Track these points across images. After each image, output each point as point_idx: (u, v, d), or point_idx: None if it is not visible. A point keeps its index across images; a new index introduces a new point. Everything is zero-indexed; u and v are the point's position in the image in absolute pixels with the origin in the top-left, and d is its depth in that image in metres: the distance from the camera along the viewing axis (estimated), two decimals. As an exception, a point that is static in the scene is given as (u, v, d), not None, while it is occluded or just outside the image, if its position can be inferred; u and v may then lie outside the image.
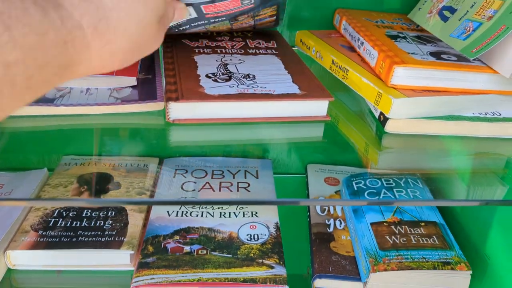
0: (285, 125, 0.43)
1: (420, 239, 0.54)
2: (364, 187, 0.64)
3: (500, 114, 0.44)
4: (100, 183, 0.63)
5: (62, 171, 0.65)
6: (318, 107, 0.44)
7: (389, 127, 0.42)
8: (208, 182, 0.67)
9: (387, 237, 0.55)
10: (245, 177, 0.68)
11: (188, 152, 0.66)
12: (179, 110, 0.41)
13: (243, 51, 0.54)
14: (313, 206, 0.65)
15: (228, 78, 0.46)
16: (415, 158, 0.44)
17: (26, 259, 0.53)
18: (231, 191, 0.65)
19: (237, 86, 0.44)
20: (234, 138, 0.45)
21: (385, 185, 0.65)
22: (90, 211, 0.58)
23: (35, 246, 0.52)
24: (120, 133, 0.44)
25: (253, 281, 0.50)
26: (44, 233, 0.54)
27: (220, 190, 0.65)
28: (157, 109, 0.43)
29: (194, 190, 0.64)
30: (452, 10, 0.49)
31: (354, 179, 0.66)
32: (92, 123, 0.42)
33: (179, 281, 0.49)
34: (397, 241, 0.54)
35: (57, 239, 0.53)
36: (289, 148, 0.66)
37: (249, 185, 0.67)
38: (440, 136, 0.43)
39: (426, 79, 0.43)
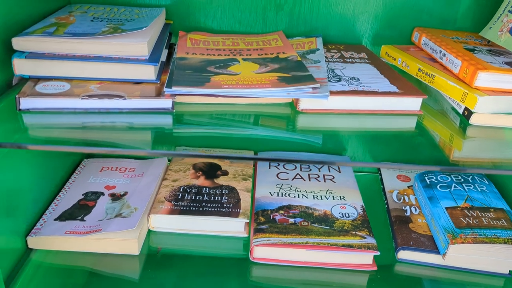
0: (386, 117, 0.55)
1: (490, 221, 0.64)
2: (436, 181, 0.74)
3: None
4: (212, 170, 0.76)
5: (179, 160, 0.79)
6: (413, 103, 0.55)
7: (473, 120, 0.53)
8: (298, 174, 0.78)
9: (461, 218, 0.64)
10: (329, 171, 0.80)
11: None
12: (307, 102, 0.53)
13: (342, 60, 0.66)
14: (390, 196, 0.76)
15: (338, 79, 0.58)
16: (495, 147, 0.54)
17: (163, 222, 0.65)
18: (319, 181, 0.76)
19: (348, 85, 0.56)
20: (346, 126, 0.56)
21: (455, 180, 0.75)
22: (208, 189, 0.71)
23: (171, 212, 0.65)
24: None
25: (350, 246, 0.60)
26: (176, 203, 0.67)
27: (310, 180, 0.76)
28: (286, 101, 0.55)
29: (288, 179, 0.76)
30: (522, 28, 0.60)
31: (426, 175, 0.76)
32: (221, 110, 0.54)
33: (291, 243, 0.60)
34: (471, 222, 0.63)
35: (187, 208, 0.66)
36: (364, 148, 0.76)
37: (333, 177, 0.78)
38: (513, 129, 0.54)
39: (505, 82, 0.53)
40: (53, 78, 0.50)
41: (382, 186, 0.80)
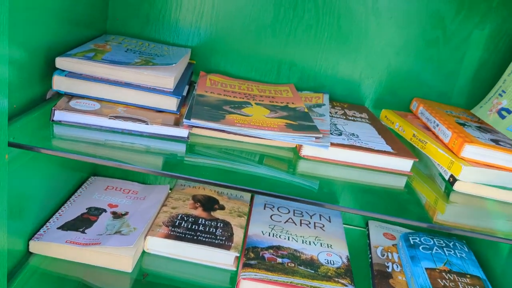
0: (379, 173, 0.60)
1: (466, 286, 0.67)
2: (419, 242, 0.78)
3: (542, 191, 0.59)
4: (210, 203, 0.80)
5: (179, 190, 0.83)
6: (405, 164, 0.60)
7: (457, 187, 0.58)
8: (291, 218, 0.82)
9: (439, 280, 0.68)
10: (320, 219, 0.84)
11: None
12: (309, 149, 0.58)
13: (344, 117, 0.72)
14: (374, 251, 0.79)
15: (340, 133, 0.63)
16: (475, 214, 0.58)
17: (159, 245, 0.69)
18: (309, 227, 0.80)
19: (348, 140, 0.61)
20: (341, 176, 0.61)
21: (437, 244, 0.79)
22: (204, 220, 0.74)
23: (167, 236, 0.68)
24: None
25: (332, 293, 0.64)
26: (173, 228, 0.70)
27: (301, 225, 0.80)
28: (290, 146, 0.60)
29: (280, 221, 0.80)
30: (509, 111, 0.66)
31: (411, 235, 0.81)
32: (223, 146, 0.59)
33: (276, 280, 0.63)
34: (447, 284, 0.67)
35: (183, 235, 0.69)
36: (355, 200, 0.80)
37: (323, 225, 0.82)
38: (494, 200, 0.59)
39: (488, 157, 0.59)
40: (86, 97, 0.56)
41: (368, 241, 0.84)
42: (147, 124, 0.53)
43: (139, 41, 0.73)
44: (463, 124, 0.67)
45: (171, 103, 0.57)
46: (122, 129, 0.53)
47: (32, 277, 0.61)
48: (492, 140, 0.62)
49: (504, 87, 0.71)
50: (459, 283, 0.68)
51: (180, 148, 0.56)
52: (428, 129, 0.70)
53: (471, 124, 0.69)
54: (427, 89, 0.82)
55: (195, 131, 0.57)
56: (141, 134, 0.54)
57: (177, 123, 0.56)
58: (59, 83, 0.55)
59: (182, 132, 0.54)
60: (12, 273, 0.60)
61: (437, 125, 0.67)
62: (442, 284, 0.67)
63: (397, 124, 0.73)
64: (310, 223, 0.82)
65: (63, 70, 0.56)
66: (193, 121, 0.54)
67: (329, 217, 0.85)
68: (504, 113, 0.67)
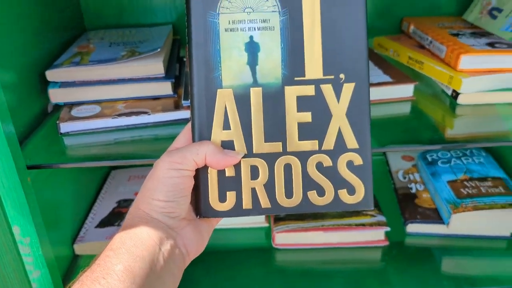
0: (383, 105, 0.61)
1: (488, 189, 0.69)
2: (437, 158, 0.80)
3: (545, 84, 0.59)
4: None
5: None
6: (406, 90, 0.61)
7: (460, 100, 0.59)
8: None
9: (461, 190, 0.70)
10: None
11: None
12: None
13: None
14: (396, 176, 0.82)
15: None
16: (483, 122, 0.59)
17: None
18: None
19: (345, 80, 0.62)
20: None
21: (454, 155, 0.80)
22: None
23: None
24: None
25: (362, 225, 0.67)
26: (200, 202, 0.73)
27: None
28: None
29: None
30: (499, 10, 0.65)
31: (428, 153, 0.82)
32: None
33: (308, 227, 0.67)
34: (470, 192, 0.69)
35: (212, 205, 0.72)
36: (378, 132, 0.82)
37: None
38: (499, 104, 0.59)
39: (486, 63, 0.59)
40: (84, 103, 0.57)
41: (388, 167, 0.86)
42: (149, 114, 0.55)
43: (119, 31, 0.72)
44: (456, 34, 0.67)
45: (166, 87, 0.58)
46: (127, 125, 0.55)
47: (85, 276, 0.66)
48: (488, 44, 0.61)
49: (492, -14, 0.69)
50: (481, 188, 0.70)
51: (187, 129, 0.57)
52: (423, 47, 0.70)
53: (465, 32, 0.68)
54: (416, 5, 0.80)
55: (197, 109, 0.59)
56: (146, 126, 0.55)
57: (177, 106, 0.57)
58: (56, 95, 0.56)
59: (184, 114, 0.56)
60: (66, 277, 0.65)
61: (431, 42, 0.67)
62: (465, 192, 0.69)
63: (391, 50, 0.73)
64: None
65: (56, 82, 0.57)
66: (192, 101, 0.55)
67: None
68: (495, 12, 0.65)
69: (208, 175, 0.39)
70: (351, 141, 0.39)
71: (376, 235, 0.68)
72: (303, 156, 0.40)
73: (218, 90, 0.38)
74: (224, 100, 0.39)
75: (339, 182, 0.40)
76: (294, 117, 0.39)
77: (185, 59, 0.71)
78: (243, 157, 0.39)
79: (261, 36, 0.39)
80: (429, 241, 0.71)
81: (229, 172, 0.39)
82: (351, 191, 0.40)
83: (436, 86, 0.65)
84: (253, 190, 0.39)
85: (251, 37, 0.39)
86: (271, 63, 0.39)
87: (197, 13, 0.38)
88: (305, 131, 0.39)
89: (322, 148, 0.39)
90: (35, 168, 0.49)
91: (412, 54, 0.67)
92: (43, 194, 0.58)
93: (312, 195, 0.40)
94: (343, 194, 0.40)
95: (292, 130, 0.39)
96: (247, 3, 0.39)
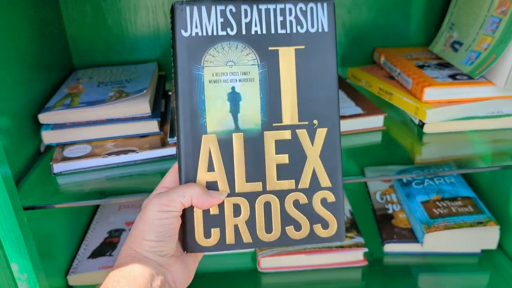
0: (355, 135, 0.65)
1: (458, 209, 0.74)
2: (411, 179, 0.85)
3: (503, 112, 0.64)
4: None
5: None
6: (376, 121, 0.65)
7: (426, 129, 0.64)
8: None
9: (434, 210, 0.75)
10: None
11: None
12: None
13: (314, 88, 0.76)
14: (374, 197, 0.86)
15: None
16: (447, 148, 0.64)
17: (180, 248, 0.75)
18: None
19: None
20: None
21: (427, 176, 0.85)
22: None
23: (186, 238, 0.75)
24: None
25: (341, 247, 0.71)
26: (188, 230, 0.77)
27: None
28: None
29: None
30: (460, 44, 0.70)
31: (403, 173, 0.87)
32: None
33: (291, 251, 0.70)
34: (442, 212, 0.74)
35: (199, 233, 0.76)
36: (347, 156, 0.86)
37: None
38: (463, 132, 0.64)
39: (448, 94, 0.64)
40: (75, 143, 0.61)
41: (367, 189, 0.90)
42: (137, 152, 0.58)
43: (107, 70, 0.76)
44: (422, 66, 0.72)
45: (152, 126, 0.62)
46: (116, 163, 0.58)
47: (80, 307, 0.69)
48: (450, 76, 0.67)
49: (453, 20, 0.75)
50: (451, 207, 0.75)
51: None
52: (393, 78, 0.75)
53: (430, 64, 0.73)
54: (386, 36, 0.85)
55: (182, 144, 0.62)
56: (134, 163, 0.59)
57: (163, 143, 0.61)
58: (48, 137, 0.60)
59: (170, 150, 0.60)
60: (60, 309, 0.67)
61: (399, 74, 0.72)
62: (437, 212, 0.74)
63: (363, 81, 0.78)
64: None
65: (49, 124, 0.60)
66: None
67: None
68: (456, 46, 0.71)
69: (194, 214, 0.43)
70: (324, 180, 0.44)
71: (355, 256, 0.72)
72: (281, 194, 0.43)
73: (203, 135, 0.43)
74: (209, 144, 0.43)
75: (314, 218, 0.44)
76: (273, 159, 0.43)
77: (170, 93, 0.76)
78: (226, 197, 0.43)
79: (242, 87, 0.43)
80: (406, 259, 0.75)
81: (214, 211, 0.43)
82: (325, 225, 0.44)
83: (405, 115, 0.70)
84: (236, 227, 0.43)
85: (233, 87, 0.43)
86: (251, 111, 0.43)
87: (183, 67, 0.42)
88: (283, 172, 0.43)
89: (299, 187, 0.43)
90: (31, 209, 0.53)
91: (382, 85, 0.72)
92: (37, 229, 0.61)
93: (290, 230, 0.44)
94: (318, 228, 0.44)
95: (271, 171, 0.43)
96: (229, 57, 0.43)
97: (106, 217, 0.83)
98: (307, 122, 0.44)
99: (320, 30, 0.44)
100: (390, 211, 0.81)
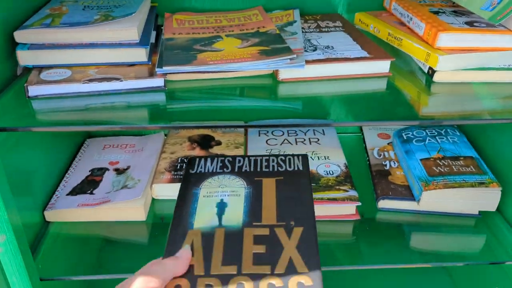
0: (359, 80, 0.60)
1: (460, 168, 0.70)
2: (412, 136, 0.81)
3: (520, 65, 0.60)
4: (206, 141, 0.82)
5: (174, 134, 0.85)
6: (383, 66, 0.60)
7: (436, 78, 0.59)
8: (286, 139, 0.84)
9: (434, 168, 0.71)
10: (314, 134, 0.86)
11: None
12: (286, 72, 0.58)
13: (318, 30, 0.71)
14: (371, 153, 0.82)
15: (314, 49, 0.63)
16: (457, 100, 0.60)
17: (165, 190, 0.72)
18: (305, 144, 0.83)
19: (323, 54, 0.61)
20: (323, 92, 0.61)
21: (429, 134, 0.81)
22: (203, 158, 0.77)
23: (172, 181, 0.71)
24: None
25: (334, 199, 0.67)
26: (175, 173, 0.73)
27: (296, 144, 0.83)
28: (268, 72, 0.61)
29: (276, 144, 0.82)
30: (481, -11, 0.64)
31: (404, 131, 0.83)
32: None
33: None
34: (442, 170, 0.70)
35: (186, 176, 0.72)
36: (348, 104, 0.82)
37: (318, 139, 0.84)
38: (475, 83, 0.59)
39: (463, 41, 0.58)
40: (54, 66, 0.56)
41: (364, 144, 0.87)
42: (121, 81, 0.54)
43: (95, -6, 0.70)
44: (437, 12, 0.66)
45: (140, 54, 0.57)
46: (98, 91, 0.54)
47: (55, 243, 0.66)
48: (467, 23, 0.61)
49: (475, -36, 0.68)
50: (453, 166, 0.71)
51: (160, 98, 0.56)
52: (403, 24, 0.69)
53: (445, 10, 0.68)
54: (398, -19, 0.79)
55: (171, 77, 0.58)
56: (118, 92, 0.54)
57: (151, 74, 0.56)
58: (24, 57, 0.55)
59: (158, 81, 0.55)
60: (35, 244, 0.64)
61: (411, 19, 0.66)
62: (438, 171, 0.70)
63: (371, 26, 0.72)
64: (305, 140, 0.84)
65: (25, 44, 0.55)
66: (165, 68, 0.54)
67: (323, 130, 0.87)
68: (476, -8, 0.65)
69: None
70: (301, 267, 0.46)
71: (348, 210, 0.69)
72: (256, 277, 0.46)
73: (189, 230, 0.51)
74: (192, 237, 0.51)
75: None
76: (250, 248, 0.49)
77: (162, 28, 0.70)
78: (200, 277, 0.46)
79: (229, 199, 0.56)
80: (400, 217, 0.72)
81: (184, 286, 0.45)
82: None
83: (414, 63, 0.65)
84: None
85: (221, 199, 0.56)
86: (235, 214, 0.53)
87: (186, 189, 0.58)
88: (259, 258, 0.48)
89: (274, 272, 0.46)
90: (1, 131, 0.48)
91: (392, 31, 0.67)
92: (12, 159, 0.57)
93: None
94: None
95: (247, 257, 0.48)
96: (222, 183, 0.59)
97: (90, 156, 0.79)
98: (284, 223, 0.52)
99: (295, 169, 0.61)
100: (388, 167, 0.78)
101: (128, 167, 0.75)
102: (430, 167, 0.71)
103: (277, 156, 0.63)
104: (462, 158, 0.73)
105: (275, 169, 0.60)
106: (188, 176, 0.60)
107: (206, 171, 0.60)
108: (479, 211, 0.70)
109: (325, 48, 0.63)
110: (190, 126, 0.54)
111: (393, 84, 0.61)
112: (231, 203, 0.55)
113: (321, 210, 0.68)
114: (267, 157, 0.63)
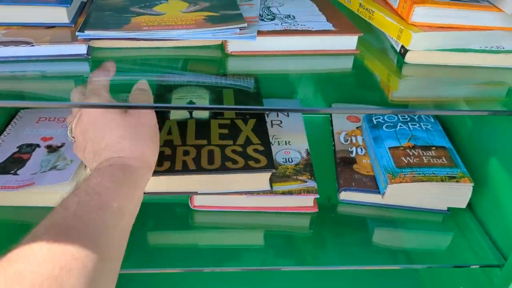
0: (321, 57, 0.52)
1: (431, 159, 0.64)
2: (382, 121, 0.74)
3: (504, 48, 0.52)
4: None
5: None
6: (349, 42, 0.52)
7: (408, 58, 0.51)
8: (245, 118, 0.77)
9: (402, 158, 0.64)
10: (277, 116, 0.78)
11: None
12: (236, 43, 0.50)
13: (281, -4, 0.62)
14: (337, 138, 0.75)
15: (272, 18, 0.54)
16: (430, 85, 0.52)
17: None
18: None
19: (281, 24, 0.53)
20: (277, 68, 0.53)
21: (401, 119, 0.74)
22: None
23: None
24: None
25: (290, 193, 0.60)
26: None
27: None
28: (214, 43, 0.52)
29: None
30: (466, -42, 0.56)
31: (374, 115, 0.75)
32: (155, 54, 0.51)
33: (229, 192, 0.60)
34: (411, 161, 0.63)
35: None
36: (314, 89, 0.74)
37: (281, 122, 0.76)
38: (451, 66, 0.52)
39: (441, 17, 0.51)
40: (-47, 24, 0.46)
41: (331, 127, 0.79)
42: (33, 45, 0.44)
43: None
44: (415, -18, 0.58)
45: (59, 14, 0.47)
46: (4, 57, 0.44)
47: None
48: (448, -4, 0.53)
49: None
50: (423, 157, 0.65)
51: (83, 68, 0.48)
52: (377, -5, 0.61)
53: (425, -19, 0.59)
54: None
55: (98, 44, 0.48)
56: (29, 59, 0.45)
57: (73, 38, 0.47)
58: None
59: (79, 48, 0.46)
60: None
61: (386, -12, 0.58)
62: (406, 162, 0.64)
63: (342, -5, 0.64)
64: (266, 122, 0.76)
65: None
66: (88, 33, 0.45)
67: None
68: (461, -40, 0.57)
69: None
70: (255, 140, 0.62)
71: (305, 201, 0.62)
72: (222, 147, 0.60)
73: (167, 120, 0.65)
74: (170, 124, 0.64)
75: (248, 157, 0.58)
76: (216, 130, 0.63)
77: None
78: (179, 145, 0.60)
79: (197, 100, 0.53)
80: (363, 210, 0.66)
81: (167, 152, 0.58)
82: (257, 161, 0.58)
83: (386, 40, 0.57)
84: (184, 161, 0.57)
85: (190, 100, 0.53)
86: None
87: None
88: (223, 136, 0.62)
89: (236, 143, 0.61)
90: None
91: (364, 1, 0.59)
92: None
93: (229, 163, 0.57)
94: (251, 163, 0.58)
95: (214, 135, 0.62)
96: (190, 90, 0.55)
97: (22, 129, 0.70)
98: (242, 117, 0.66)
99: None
100: (353, 155, 0.70)
101: (63, 145, 0.66)
102: (398, 157, 0.64)
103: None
104: (434, 148, 0.66)
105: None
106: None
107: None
108: (448, 207, 0.64)
109: (285, 17, 0.55)
110: (120, 105, 0.45)
111: (361, 64, 0.53)
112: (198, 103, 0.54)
113: (277, 201, 0.61)
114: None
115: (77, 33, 0.45)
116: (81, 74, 0.48)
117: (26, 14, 0.47)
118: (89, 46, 0.47)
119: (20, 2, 0.46)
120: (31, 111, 0.74)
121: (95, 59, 0.47)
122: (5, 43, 0.44)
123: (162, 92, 0.56)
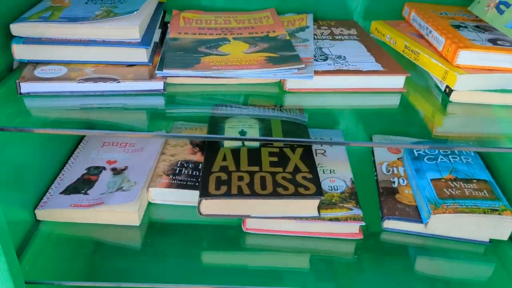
0: (371, 95, 0.57)
1: (473, 192, 0.67)
2: (423, 153, 0.77)
3: (544, 89, 0.55)
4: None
5: (176, 134, 0.82)
6: (397, 81, 0.57)
7: (453, 97, 0.55)
8: (291, 147, 0.81)
9: (444, 189, 0.67)
10: (321, 145, 0.82)
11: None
12: (293, 82, 0.55)
13: (331, 37, 0.67)
14: (379, 168, 0.79)
15: (325, 58, 0.60)
16: (473, 122, 0.56)
17: (162, 195, 0.69)
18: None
19: (334, 64, 0.58)
20: (331, 104, 0.58)
21: (442, 152, 0.77)
22: (204, 163, 0.75)
23: (169, 185, 0.69)
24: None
25: (336, 219, 0.64)
26: (173, 177, 0.70)
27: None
28: (274, 81, 0.57)
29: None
30: (508, 5, 0.60)
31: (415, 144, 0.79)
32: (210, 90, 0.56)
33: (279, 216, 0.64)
34: (453, 193, 0.66)
35: (184, 182, 0.69)
36: (357, 119, 0.78)
37: (325, 151, 0.81)
38: (493, 105, 0.56)
39: (484, 60, 0.55)
40: (50, 62, 0.53)
41: (373, 158, 0.83)
42: (119, 82, 0.51)
43: (101, -12, 0.67)
44: (458, 26, 0.62)
45: (140, 54, 0.54)
46: (94, 91, 0.51)
47: (45, 244, 0.63)
48: (490, 41, 0.57)
49: (503, -23, 0.64)
50: (465, 189, 0.67)
51: (159, 102, 0.54)
52: (422, 37, 0.66)
53: (467, 25, 0.64)
54: (420, -10, 0.75)
55: (171, 80, 0.55)
56: (115, 94, 0.51)
57: (151, 75, 0.53)
58: (19, 51, 0.52)
59: (157, 84, 0.52)
60: (24, 243, 0.62)
61: (430, 32, 0.63)
62: (448, 193, 0.67)
63: (388, 36, 0.68)
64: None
65: (21, 37, 0.53)
66: (166, 71, 0.51)
67: (330, 139, 0.84)
68: (502, 7, 0.61)
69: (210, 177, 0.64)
70: (304, 169, 0.67)
71: (351, 229, 0.65)
72: (272, 173, 0.66)
73: (221, 148, 0.71)
74: (224, 152, 0.70)
75: (297, 184, 0.63)
76: (267, 158, 0.69)
77: (169, 24, 0.67)
78: (233, 171, 0.66)
79: (247, 129, 0.54)
80: (406, 238, 0.68)
81: (223, 177, 0.64)
82: (306, 188, 0.63)
83: (430, 79, 0.61)
84: (239, 186, 0.63)
85: (242, 129, 0.54)
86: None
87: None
88: (273, 164, 0.68)
89: (285, 171, 0.66)
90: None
91: (409, 43, 0.63)
92: (2, 154, 0.55)
93: (280, 189, 0.62)
94: (301, 190, 0.63)
95: (265, 163, 0.68)
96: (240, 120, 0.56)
97: (88, 152, 0.77)
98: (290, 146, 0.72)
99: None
100: (395, 185, 0.74)
101: (126, 168, 0.73)
102: (440, 188, 0.67)
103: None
104: (475, 181, 0.69)
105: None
106: None
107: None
108: (490, 239, 0.66)
109: (337, 58, 0.60)
110: (184, 136, 0.51)
111: (407, 101, 0.58)
112: (249, 133, 0.55)
113: (324, 227, 0.65)
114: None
115: (156, 72, 0.52)
116: (156, 107, 0.54)
117: (111, 54, 0.54)
118: (164, 82, 0.53)
119: (107, 44, 0.53)
120: (96, 136, 0.82)
121: (169, 94, 0.54)
122: (95, 80, 0.51)
123: (217, 120, 0.58)
